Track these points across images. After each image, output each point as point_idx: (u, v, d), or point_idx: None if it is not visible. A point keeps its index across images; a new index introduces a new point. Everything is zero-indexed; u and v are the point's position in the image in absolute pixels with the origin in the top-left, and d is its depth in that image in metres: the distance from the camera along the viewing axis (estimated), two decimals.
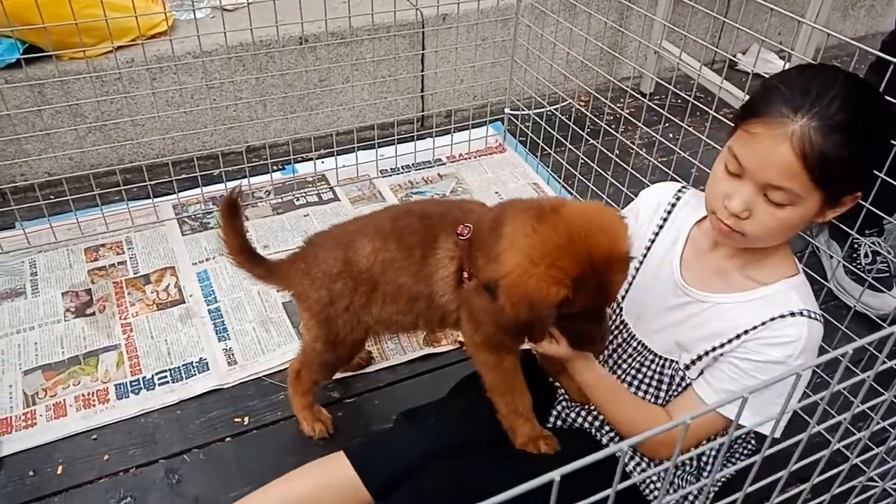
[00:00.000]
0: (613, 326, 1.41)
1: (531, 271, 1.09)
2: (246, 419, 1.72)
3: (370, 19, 2.37)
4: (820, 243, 2.15)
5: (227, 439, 1.68)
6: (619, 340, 1.39)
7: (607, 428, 1.37)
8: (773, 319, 1.15)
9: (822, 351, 1.71)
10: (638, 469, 1.33)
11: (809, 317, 1.14)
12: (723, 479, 1.39)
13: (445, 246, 1.33)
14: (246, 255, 1.54)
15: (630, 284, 1.39)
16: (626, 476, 1.32)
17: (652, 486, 1.33)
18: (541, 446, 1.34)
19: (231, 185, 2.38)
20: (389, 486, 1.32)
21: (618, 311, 1.41)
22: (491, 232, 1.24)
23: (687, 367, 1.26)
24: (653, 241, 1.36)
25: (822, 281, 1.83)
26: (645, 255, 1.37)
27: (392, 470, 1.34)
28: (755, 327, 1.16)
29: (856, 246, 2.08)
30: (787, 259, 1.23)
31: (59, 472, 1.60)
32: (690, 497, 1.34)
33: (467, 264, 1.30)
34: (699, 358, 1.24)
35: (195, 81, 2.37)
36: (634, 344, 1.35)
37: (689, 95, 1.94)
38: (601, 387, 1.30)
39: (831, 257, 2.13)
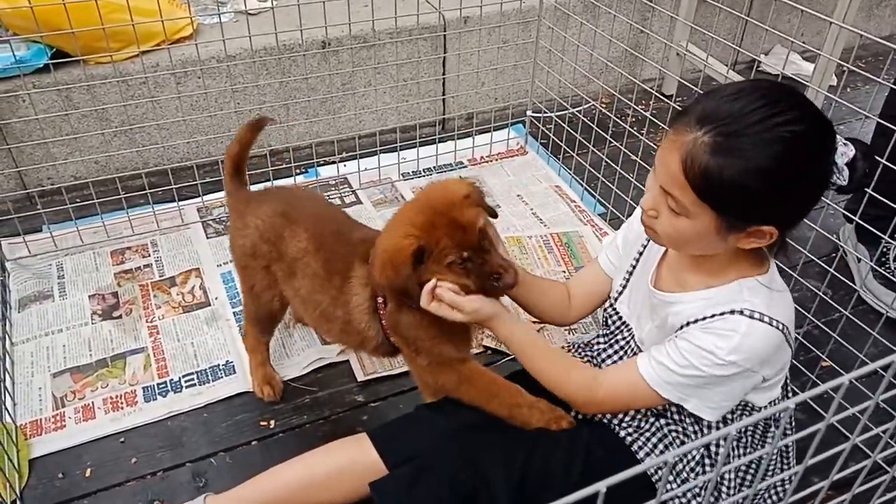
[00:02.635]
0: (615, 328, 1.44)
1: (386, 243, 1.28)
2: (272, 422, 1.72)
3: (393, 23, 2.37)
4: (848, 247, 2.13)
5: (254, 443, 1.69)
6: (622, 342, 1.42)
7: (626, 422, 1.38)
8: (713, 316, 1.17)
9: (850, 358, 1.71)
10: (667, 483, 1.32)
11: (751, 317, 1.14)
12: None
13: (359, 273, 1.41)
14: (235, 165, 1.67)
15: (623, 286, 1.43)
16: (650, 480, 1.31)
17: (676, 500, 1.32)
18: (562, 424, 1.35)
19: (255, 188, 2.39)
20: (408, 463, 1.34)
21: (612, 312, 1.45)
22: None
23: None
24: (641, 253, 1.41)
25: (851, 285, 1.81)
26: (637, 260, 1.41)
27: (410, 449, 1.36)
28: (696, 320, 1.19)
29: (885, 250, 2.05)
30: (753, 262, 1.22)
31: (87, 474, 1.61)
32: None
33: (377, 288, 1.37)
34: None
35: (219, 85, 2.38)
36: (633, 345, 1.38)
37: None
38: (515, 340, 1.35)
39: (859, 261, 2.10)
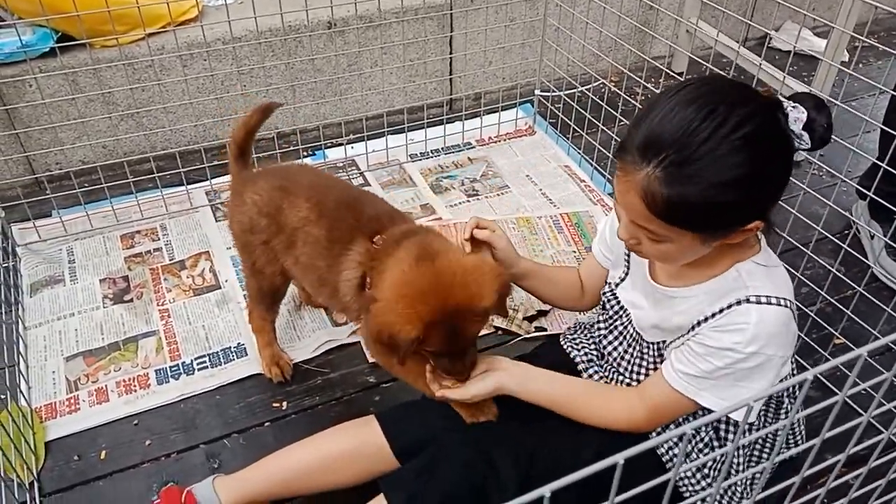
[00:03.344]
0: (613, 312, 1.42)
1: (392, 306, 1.22)
2: (284, 404, 1.73)
3: (399, 2, 2.35)
4: (861, 224, 2.11)
5: (267, 424, 1.69)
6: (620, 328, 1.41)
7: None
8: (721, 311, 1.15)
9: (863, 335, 1.70)
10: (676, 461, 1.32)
11: (759, 302, 1.12)
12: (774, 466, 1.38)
13: (357, 250, 1.40)
14: (240, 148, 1.67)
15: (625, 273, 1.41)
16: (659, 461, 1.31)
17: (686, 481, 1.32)
18: (478, 416, 1.35)
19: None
20: (414, 449, 1.35)
21: (612, 297, 1.43)
22: (388, 251, 1.34)
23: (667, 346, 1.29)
24: None
25: (865, 261, 1.80)
26: (629, 253, 1.38)
27: (416, 433, 1.37)
28: (706, 318, 1.17)
29: None
30: (745, 245, 1.19)
31: (102, 456, 1.62)
32: (743, 482, 1.33)
33: (369, 273, 1.37)
34: (671, 342, 1.27)
35: (225, 68, 2.37)
36: (632, 331, 1.37)
37: (727, 74, 1.90)
38: (543, 398, 1.31)
39: (872, 237, 2.09)
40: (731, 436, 1.28)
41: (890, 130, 1.53)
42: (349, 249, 1.41)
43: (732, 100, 1.03)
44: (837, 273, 1.72)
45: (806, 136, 1.08)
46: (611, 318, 1.43)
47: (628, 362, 1.38)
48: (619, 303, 1.41)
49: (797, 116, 1.07)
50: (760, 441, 1.34)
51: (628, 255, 1.40)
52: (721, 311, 1.15)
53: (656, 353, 1.32)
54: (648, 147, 1.03)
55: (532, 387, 1.31)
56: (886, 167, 1.56)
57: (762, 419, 1.31)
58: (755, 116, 1.02)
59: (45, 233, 2.18)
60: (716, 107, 1.01)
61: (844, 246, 1.67)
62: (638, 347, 1.36)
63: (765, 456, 1.33)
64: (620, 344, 1.40)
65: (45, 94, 2.19)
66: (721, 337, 1.14)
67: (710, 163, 1.00)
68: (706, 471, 1.31)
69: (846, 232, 2.14)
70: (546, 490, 0.58)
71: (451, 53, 2.69)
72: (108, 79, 2.27)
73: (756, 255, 1.19)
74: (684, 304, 1.23)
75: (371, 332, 1.28)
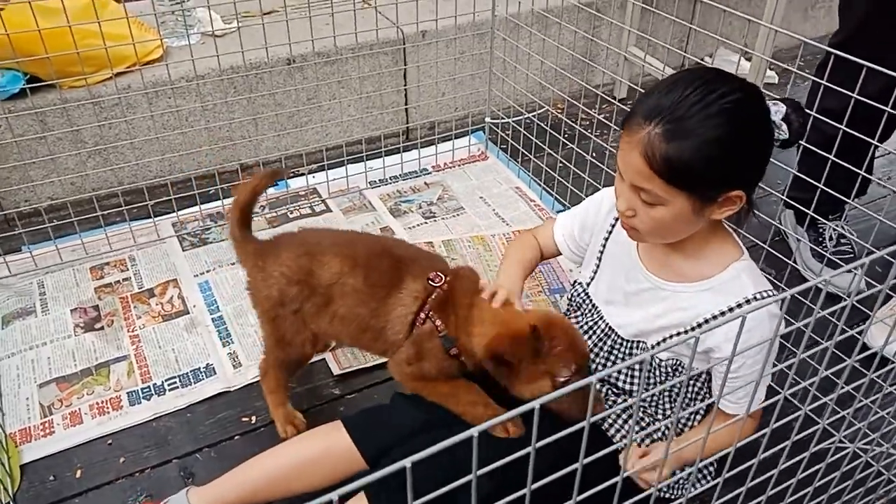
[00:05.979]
0: (585, 309, 1.53)
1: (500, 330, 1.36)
2: (253, 418, 1.81)
3: (354, 39, 2.49)
4: (787, 229, 2.28)
5: (237, 437, 1.77)
6: (591, 323, 1.51)
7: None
8: (730, 309, 1.27)
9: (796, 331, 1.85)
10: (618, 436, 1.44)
11: (763, 297, 1.27)
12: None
13: (412, 287, 1.47)
14: (243, 213, 1.65)
15: (595, 272, 1.51)
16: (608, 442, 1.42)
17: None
18: (510, 430, 1.38)
19: (227, 201, 2.48)
20: (383, 453, 1.42)
21: (585, 297, 1.53)
22: (466, 296, 1.44)
23: (653, 347, 1.38)
24: (610, 232, 1.49)
25: (791, 264, 1.96)
26: (604, 245, 1.50)
27: (385, 438, 1.44)
28: (715, 316, 1.29)
29: (821, 230, 2.21)
30: (730, 244, 1.34)
31: (77, 475, 1.68)
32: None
33: (435, 312, 1.44)
34: (664, 340, 1.36)
35: (189, 104, 2.48)
36: (603, 326, 1.47)
37: None
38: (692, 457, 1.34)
39: (799, 241, 2.26)
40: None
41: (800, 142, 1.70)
42: (399, 290, 1.47)
43: (725, 79, 1.19)
44: (769, 277, 1.87)
45: (785, 126, 1.24)
46: (582, 314, 1.53)
47: (596, 354, 1.48)
48: (591, 302, 1.51)
49: (777, 109, 1.24)
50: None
51: (600, 254, 1.50)
52: (730, 309, 1.27)
53: (627, 351, 1.42)
54: (651, 111, 1.17)
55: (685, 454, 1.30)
56: (797, 174, 1.73)
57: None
58: (738, 91, 1.18)
59: (15, 267, 2.24)
60: (709, 81, 1.18)
61: (766, 247, 1.83)
62: (609, 342, 1.46)
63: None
64: (590, 338, 1.49)
65: (14, 133, 2.27)
66: (750, 342, 1.18)
67: (700, 120, 1.14)
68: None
69: (776, 238, 2.31)
70: (451, 441, 0.68)
71: (405, 86, 2.83)
72: (77, 118, 2.36)
73: (743, 255, 1.33)
74: (687, 301, 1.32)
75: (485, 356, 1.36)
